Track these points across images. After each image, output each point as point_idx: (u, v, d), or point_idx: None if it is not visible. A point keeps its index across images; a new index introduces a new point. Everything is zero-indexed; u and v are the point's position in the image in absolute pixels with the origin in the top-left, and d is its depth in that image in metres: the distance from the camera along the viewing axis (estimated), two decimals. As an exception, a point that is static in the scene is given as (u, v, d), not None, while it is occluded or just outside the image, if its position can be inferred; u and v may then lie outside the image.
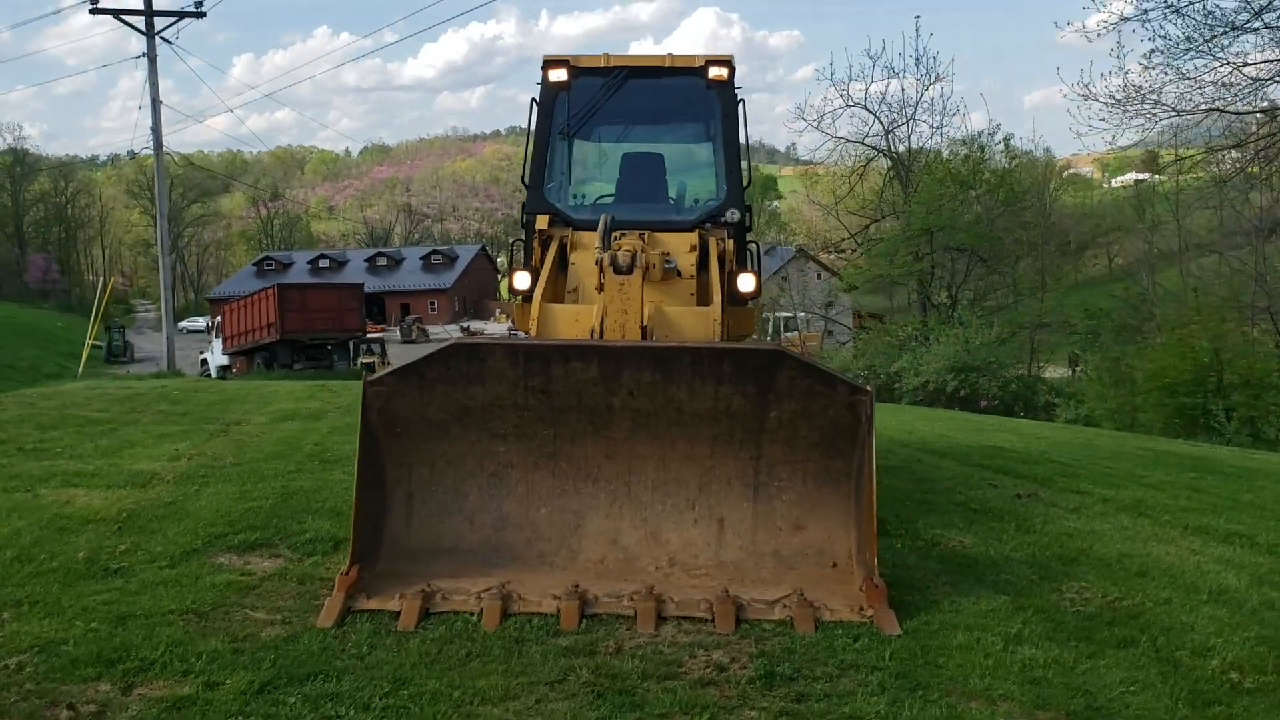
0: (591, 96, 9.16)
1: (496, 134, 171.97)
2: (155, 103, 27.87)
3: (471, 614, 5.75)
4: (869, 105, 34.10)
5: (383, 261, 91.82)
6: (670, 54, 9.14)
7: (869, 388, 6.21)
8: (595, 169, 9.87)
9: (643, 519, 6.75)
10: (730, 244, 8.65)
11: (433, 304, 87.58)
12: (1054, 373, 32.70)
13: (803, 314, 50.13)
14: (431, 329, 76.90)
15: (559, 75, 9.04)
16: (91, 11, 27.00)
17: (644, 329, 7.19)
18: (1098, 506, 8.96)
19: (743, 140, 9.01)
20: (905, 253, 32.34)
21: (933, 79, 33.95)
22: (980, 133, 34.47)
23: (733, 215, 8.75)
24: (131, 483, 8.77)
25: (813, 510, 6.68)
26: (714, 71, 8.93)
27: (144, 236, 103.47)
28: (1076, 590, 6.41)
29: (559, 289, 8.28)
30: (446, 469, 6.76)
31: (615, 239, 7.87)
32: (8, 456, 10.00)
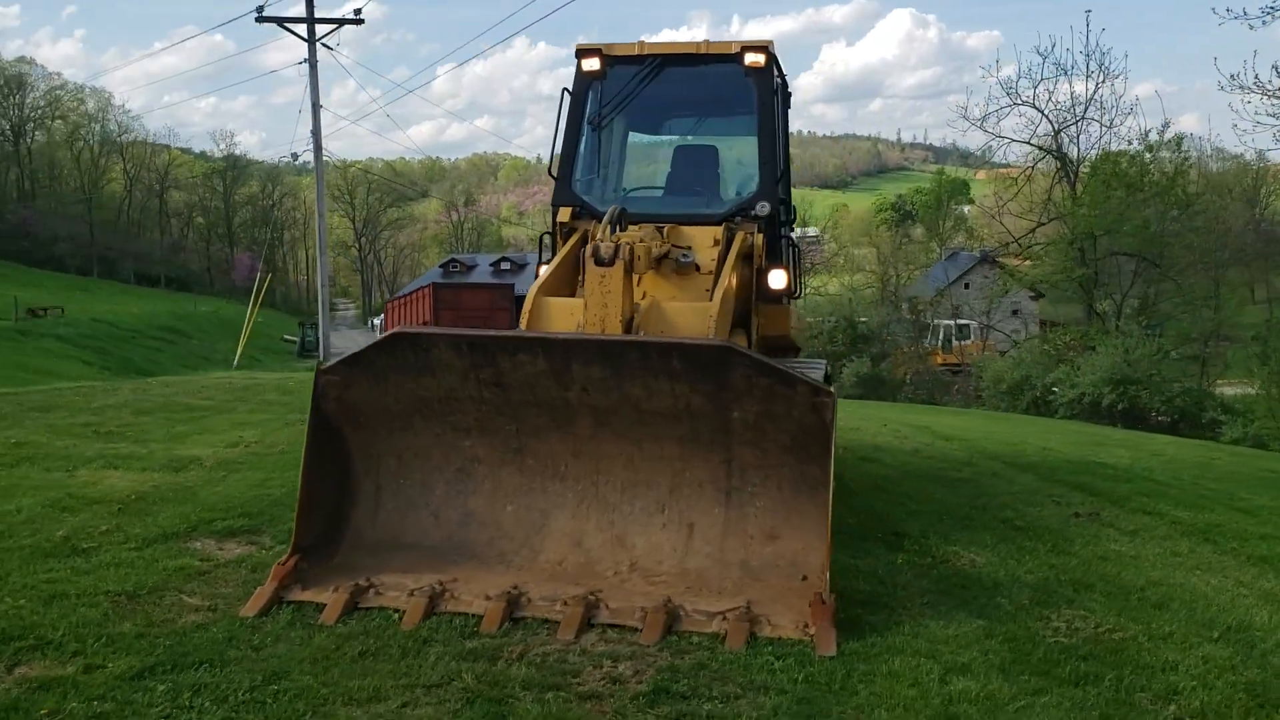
0: (627, 86, 8.91)
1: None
2: (315, 107, 29.02)
3: (398, 611, 5.59)
4: (1037, 104, 32.63)
5: (506, 265, 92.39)
6: (707, 41, 8.80)
7: (831, 389, 5.76)
8: (639, 161, 9.59)
9: (610, 521, 6.47)
10: (760, 239, 8.26)
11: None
12: (1233, 389, 30.41)
13: (974, 322, 48.39)
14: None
15: (591, 64, 8.83)
16: (258, 20, 28.43)
17: (629, 323, 6.91)
18: (1162, 529, 8.17)
19: (791, 130, 8.60)
20: (1067, 258, 30.72)
21: (1103, 76, 32.20)
22: (1148, 131, 32.46)
23: (762, 208, 8.34)
24: (168, 467, 8.99)
25: (788, 519, 6.26)
26: (750, 58, 8.55)
27: (344, 238, 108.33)
28: (1069, 619, 5.82)
29: (575, 284, 8.05)
30: (414, 462, 6.64)
31: (618, 231, 7.60)
32: (80, 438, 10.42)
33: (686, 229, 8.24)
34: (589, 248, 6.87)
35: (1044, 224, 32.71)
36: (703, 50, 8.75)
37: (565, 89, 8.88)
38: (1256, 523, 8.70)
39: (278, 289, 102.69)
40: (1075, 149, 32.39)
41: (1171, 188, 30.21)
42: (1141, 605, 6.11)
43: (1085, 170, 32.08)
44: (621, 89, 8.90)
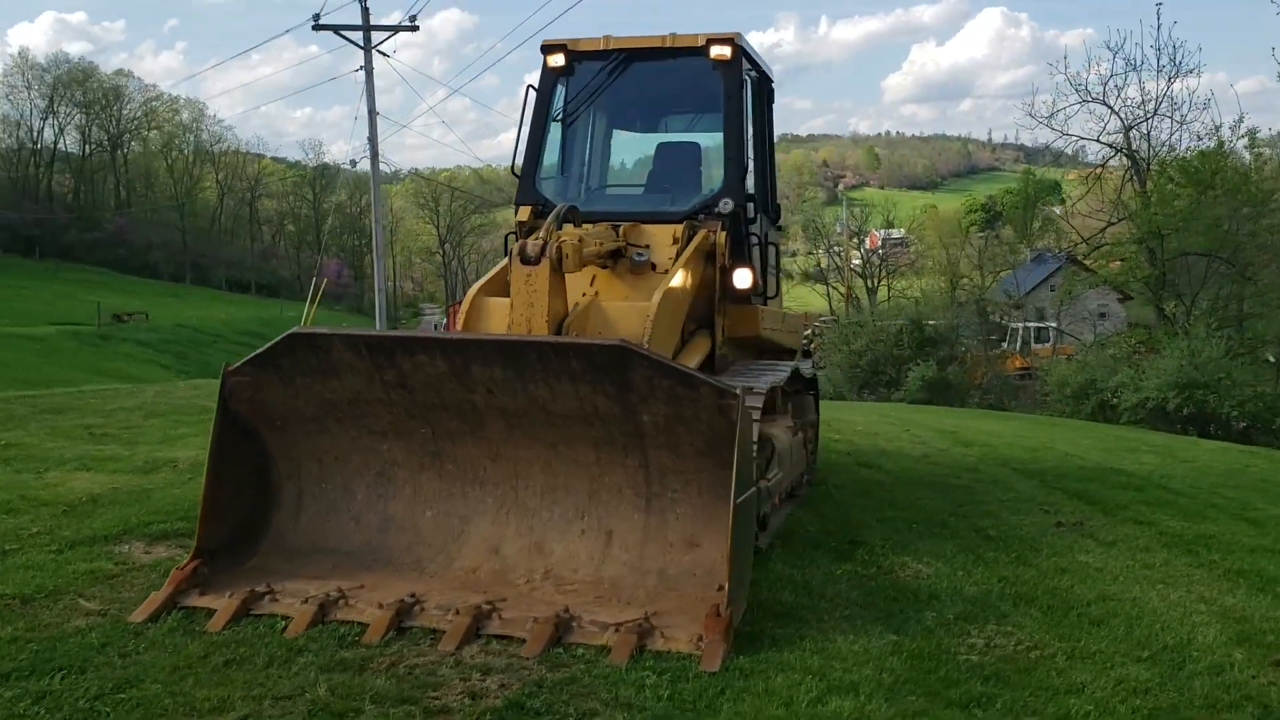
0: (592, 81, 8.71)
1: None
2: (372, 114, 29.31)
3: (288, 618, 5.45)
4: (1106, 100, 31.57)
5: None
6: (673, 34, 8.55)
7: (737, 391, 5.49)
8: (616, 157, 9.37)
9: (529, 527, 6.28)
10: (723, 236, 7.99)
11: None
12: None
13: (1053, 325, 47.12)
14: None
15: (557, 60, 8.65)
16: (314, 28, 28.84)
17: (560, 323, 6.71)
18: (1144, 540, 7.73)
19: (743, 128, 8.31)
20: (1136, 258, 29.61)
21: (1175, 71, 30.98)
22: (1219, 127, 31.16)
23: (725, 205, 8.07)
24: (140, 469, 9.02)
25: (708, 526, 6.01)
26: (715, 51, 8.29)
27: (428, 244, 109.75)
28: (991, 635, 5.48)
29: None
30: (335, 465, 6.52)
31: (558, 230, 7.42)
32: (73, 440, 10.53)
33: (648, 227, 8.02)
34: (515, 246, 6.69)
35: (1114, 224, 31.71)
36: (668, 44, 8.51)
37: (530, 85, 8.72)
38: (1256, 534, 8.19)
39: (365, 294, 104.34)
40: (1146, 146, 31.32)
41: (1245, 184, 29.01)
42: (1079, 621, 5.74)
43: (1155, 168, 30.95)
44: (587, 84, 8.71)
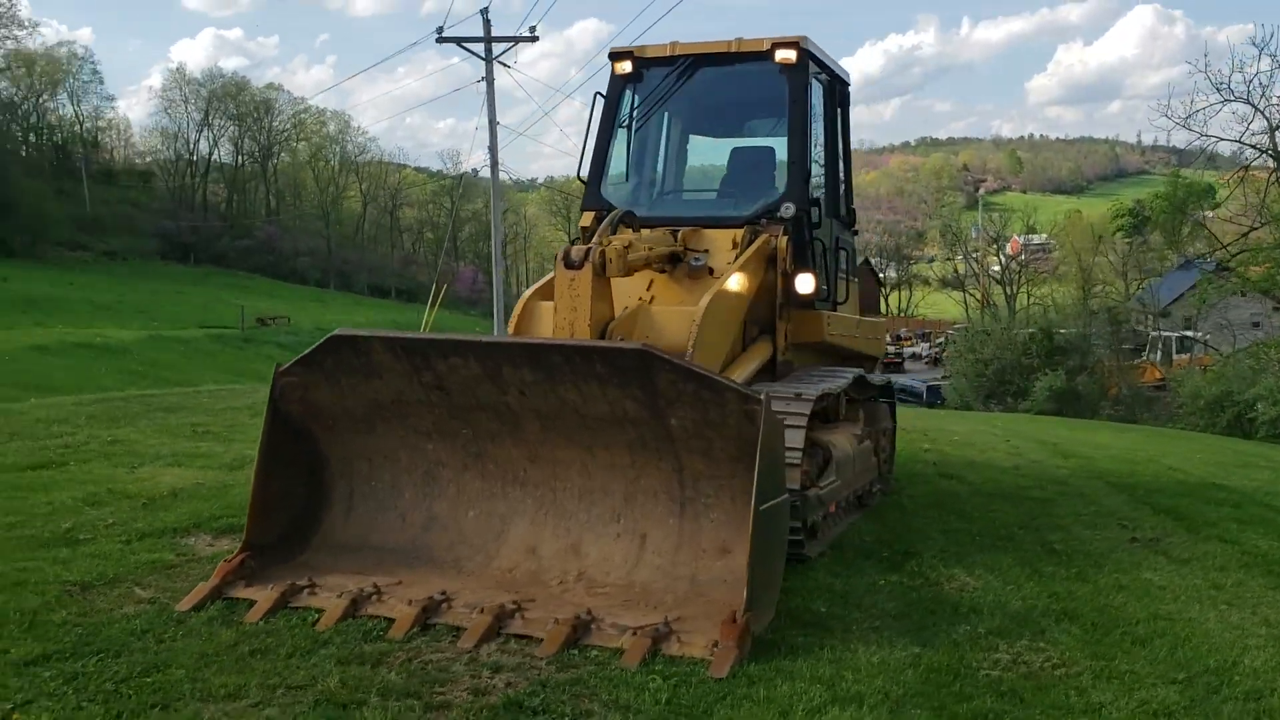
0: (659, 87, 8.76)
1: (905, 145, 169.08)
2: (492, 124, 29.92)
3: (321, 611, 5.63)
4: (1251, 99, 30.10)
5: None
6: (739, 39, 8.54)
7: (761, 396, 5.46)
8: (690, 162, 9.38)
9: (566, 529, 6.35)
10: (784, 241, 7.95)
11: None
12: None
13: (1197, 334, 45.21)
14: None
15: (624, 67, 8.73)
16: (438, 40, 29.55)
17: (604, 327, 6.77)
18: (1221, 559, 7.40)
19: (807, 132, 8.25)
20: (1276, 264, 28.18)
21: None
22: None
23: (787, 210, 8.03)
24: (228, 466, 9.39)
25: (740, 533, 5.94)
26: (781, 55, 8.27)
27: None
28: (1022, 651, 5.34)
29: None
30: (384, 464, 6.70)
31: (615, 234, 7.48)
32: (176, 438, 11.02)
33: (709, 232, 8.04)
34: (560, 251, 6.78)
35: (1256, 228, 30.25)
36: (734, 49, 8.51)
37: (598, 93, 8.82)
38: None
39: (504, 300, 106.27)
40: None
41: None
42: (1120, 640, 5.54)
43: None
44: (654, 91, 8.76)
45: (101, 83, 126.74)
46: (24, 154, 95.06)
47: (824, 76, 8.78)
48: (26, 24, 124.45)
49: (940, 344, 58.40)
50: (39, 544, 6.70)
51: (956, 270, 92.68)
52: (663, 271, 7.83)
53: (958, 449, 12.76)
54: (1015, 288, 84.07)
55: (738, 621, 5.19)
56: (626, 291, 7.72)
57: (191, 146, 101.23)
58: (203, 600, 5.76)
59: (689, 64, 8.63)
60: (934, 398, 41.95)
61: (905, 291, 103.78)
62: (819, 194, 8.65)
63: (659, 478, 6.14)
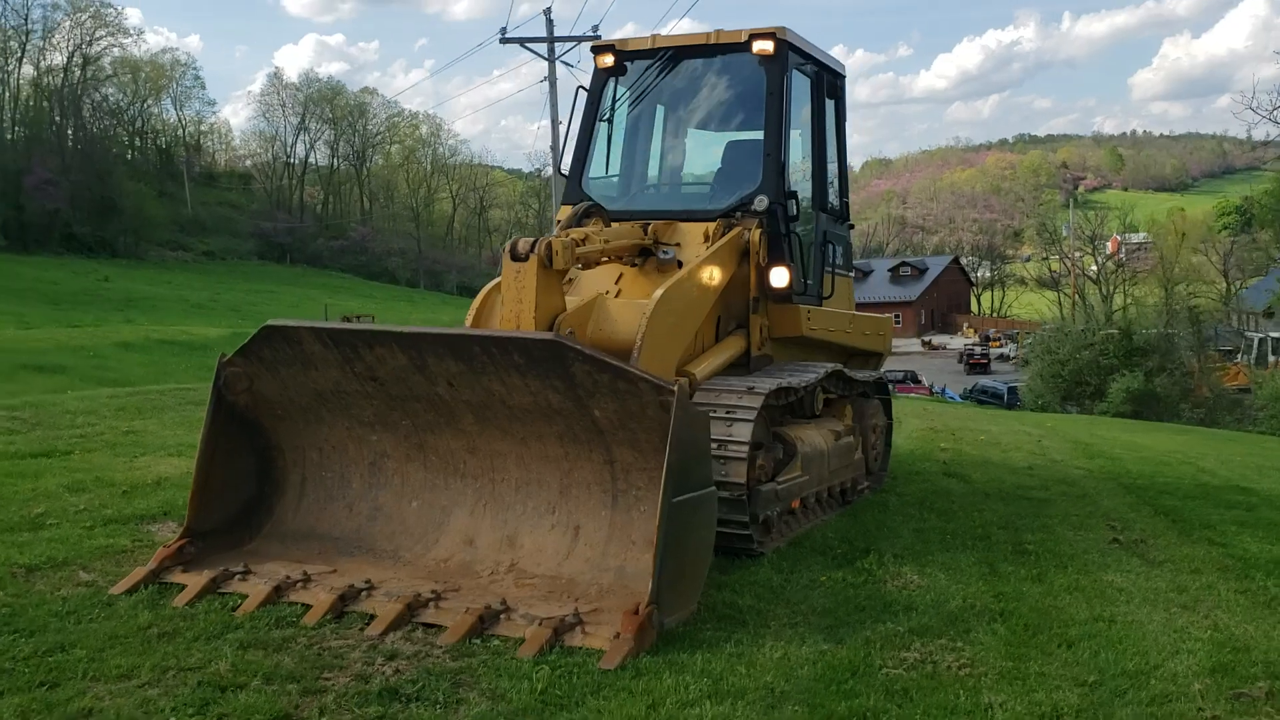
0: (648, 80, 8.73)
1: (1003, 142, 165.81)
2: (554, 124, 30.05)
3: (245, 597, 5.72)
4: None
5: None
6: (718, 30, 8.47)
7: (673, 386, 5.40)
8: (659, 156, 9.32)
9: (504, 520, 6.36)
10: (757, 234, 7.86)
11: (897, 317, 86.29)
12: None
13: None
14: (893, 342, 75.74)
15: (606, 61, 8.72)
16: (501, 41, 29.82)
17: (553, 320, 6.75)
18: (1202, 561, 7.15)
19: (783, 124, 8.13)
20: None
21: None
22: None
23: (760, 203, 7.93)
24: (226, 457, 9.56)
25: (668, 525, 5.92)
26: (758, 46, 8.18)
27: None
28: (934, 651, 5.22)
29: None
30: (333, 454, 6.78)
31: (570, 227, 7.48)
32: (194, 429, 11.22)
33: (684, 225, 7.98)
34: (507, 244, 6.78)
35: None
36: (713, 40, 8.43)
37: (580, 86, 8.82)
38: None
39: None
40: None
41: None
42: (1045, 642, 5.38)
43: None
44: (635, 84, 8.73)
45: (203, 88, 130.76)
46: (130, 158, 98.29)
47: (810, 68, 8.65)
48: (132, 32, 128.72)
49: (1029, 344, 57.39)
50: (4, 528, 6.90)
51: (1051, 269, 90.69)
52: (633, 265, 7.80)
53: (979, 448, 12.48)
54: (1111, 287, 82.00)
55: (639, 614, 5.15)
56: (595, 284, 7.72)
57: (289, 149, 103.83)
58: (136, 584, 5.88)
59: (669, 56, 8.58)
60: (1014, 399, 41.13)
61: (998, 291, 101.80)
62: (801, 187, 8.54)
63: (591, 470, 6.12)
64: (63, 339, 37.67)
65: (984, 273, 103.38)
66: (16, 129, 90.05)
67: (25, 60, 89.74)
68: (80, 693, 4.51)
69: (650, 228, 7.81)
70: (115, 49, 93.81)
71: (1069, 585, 6.42)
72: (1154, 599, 6.20)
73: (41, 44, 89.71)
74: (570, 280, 7.84)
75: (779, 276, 7.99)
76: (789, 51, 8.25)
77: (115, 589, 5.83)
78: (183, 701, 4.44)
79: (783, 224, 8.04)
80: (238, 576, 5.95)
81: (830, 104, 9.13)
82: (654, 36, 8.65)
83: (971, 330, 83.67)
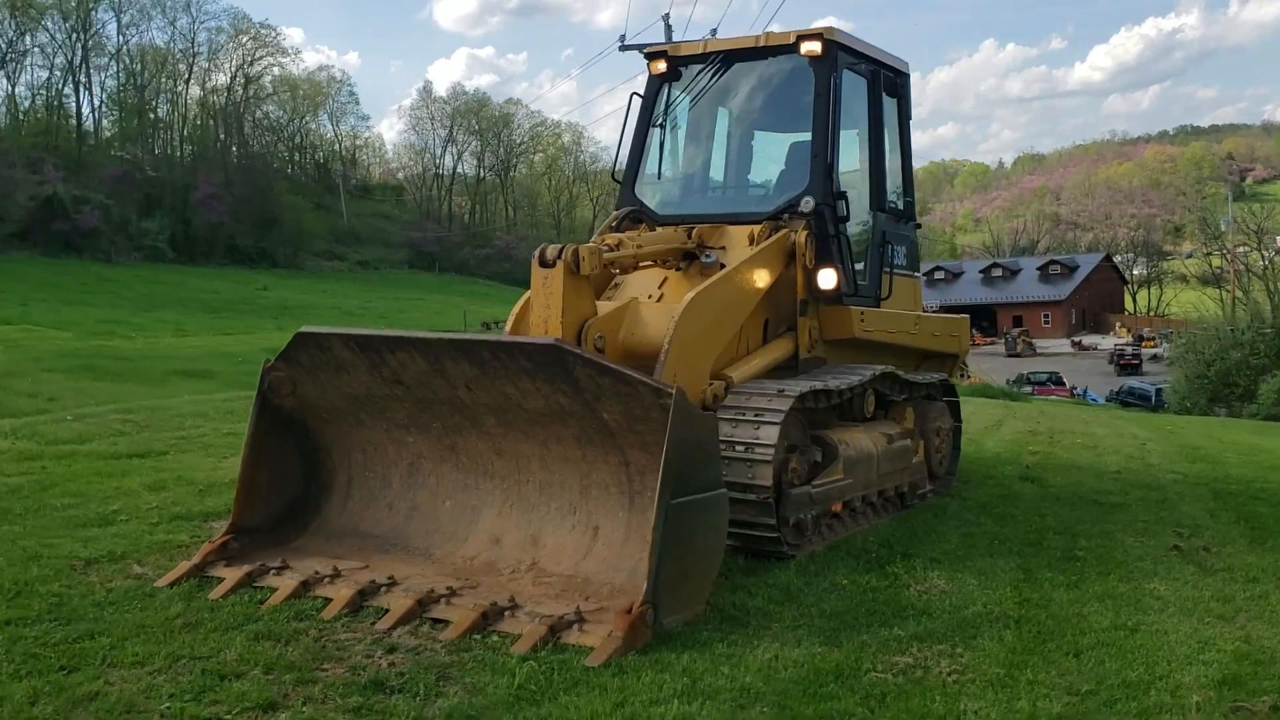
0: (700, 84, 8.79)
1: (1163, 134, 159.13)
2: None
3: (274, 590, 5.98)
4: None
5: (998, 272, 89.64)
6: (768, 32, 8.48)
7: (672, 389, 5.46)
8: (717, 158, 9.33)
9: (528, 520, 6.51)
10: (803, 236, 7.83)
11: (1046, 316, 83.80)
12: None
13: None
14: (1041, 343, 73.69)
15: (659, 66, 8.81)
16: (621, 49, 30.13)
17: (581, 325, 6.86)
18: (1261, 570, 6.83)
19: (831, 124, 8.08)
20: None
21: None
22: None
23: (806, 204, 7.91)
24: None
25: (684, 526, 5.98)
26: (806, 47, 8.17)
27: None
28: (929, 656, 5.16)
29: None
30: (375, 455, 7.03)
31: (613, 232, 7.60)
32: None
33: (731, 229, 8.01)
34: (537, 250, 6.92)
35: None
36: (763, 43, 8.44)
37: (634, 93, 8.92)
38: None
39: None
40: None
41: None
42: (1053, 650, 5.27)
43: None
44: (689, 88, 8.80)
45: (357, 103, 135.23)
46: (289, 172, 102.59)
47: (864, 67, 8.57)
48: (290, 51, 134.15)
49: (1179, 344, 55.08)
50: (78, 524, 7.36)
51: (1212, 266, 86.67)
52: (678, 269, 7.86)
53: (1072, 452, 12.10)
54: (1278, 284, 77.86)
55: (632, 613, 5.22)
56: (639, 289, 7.81)
57: (437, 161, 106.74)
58: (180, 577, 6.20)
59: (721, 60, 8.62)
60: (1162, 401, 39.53)
61: (1155, 289, 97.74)
62: (859, 187, 8.49)
63: (608, 471, 6.21)
64: (215, 345, 39.59)
65: (1139, 270, 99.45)
66: (185, 147, 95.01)
67: (192, 81, 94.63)
68: (93, 678, 4.79)
69: (695, 231, 7.86)
70: (275, 68, 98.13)
71: (1104, 592, 6.23)
72: (1191, 608, 5.97)
73: (207, 65, 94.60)
74: (616, 285, 7.96)
75: (827, 278, 7.95)
76: (838, 51, 8.20)
77: (160, 582, 6.16)
78: (183, 688, 4.68)
79: (831, 225, 8.00)
80: (273, 571, 6.22)
81: (891, 103, 9.02)
82: (705, 41, 8.70)
83: (1124, 330, 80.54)
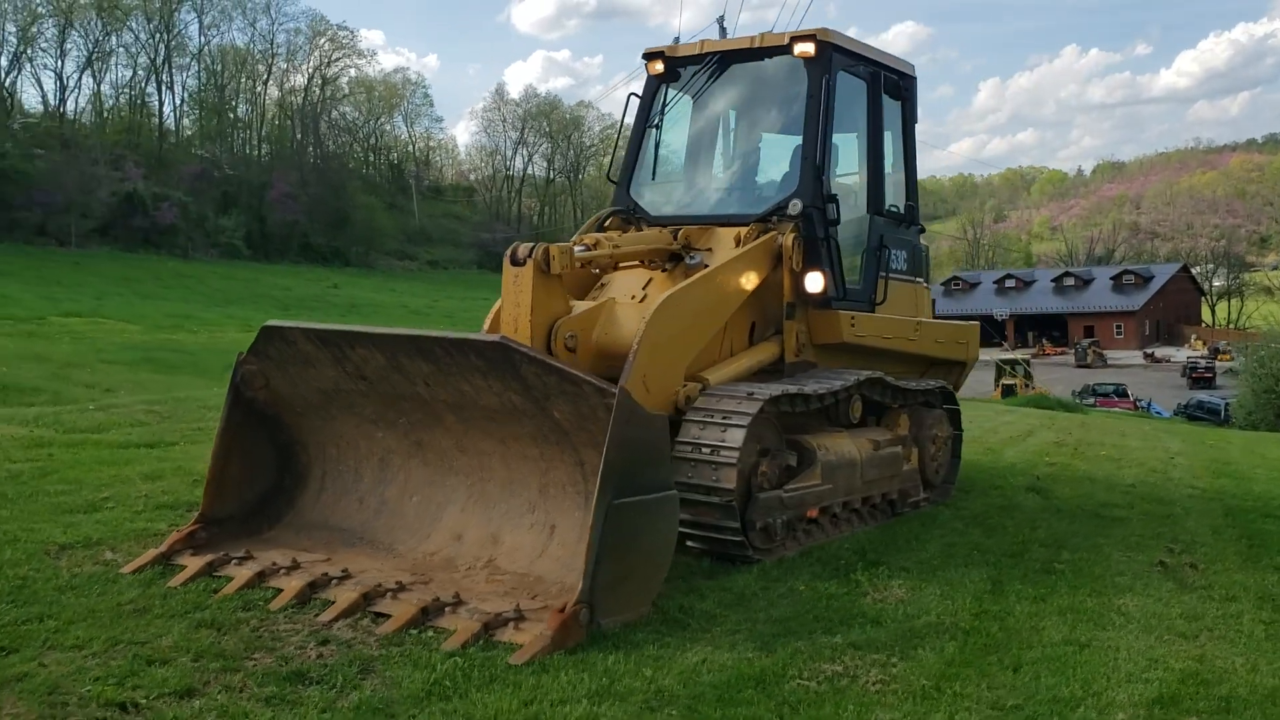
0: (696, 86, 8.75)
1: (1250, 142, 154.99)
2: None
3: (231, 579, 6.06)
4: None
5: (1070, 281, 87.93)
6: (764, 34, 8.40)
7: (615, 389, 5.43)
8: (711, 160, 9.26)
9: (489, 518, 6.52)
10: (790, 239, 7.76)
11: (1119, 327, 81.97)
12: None
13: None
14: (1113, 354, 72.18)
15: (656, 67, 8.80)
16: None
17: (552, 324, 6.87)
18: (1242, 589, 6.64)
19: (822, 127, 8.00)
20: None
21: None
22: None
23: (794, 207, 7.84)
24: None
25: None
26: (799, 48, 8.10)
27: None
28: (859, 666, 5.06)
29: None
30: (348, 450, 7.09)
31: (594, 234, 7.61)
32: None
33: (720, 230, 7.97)
34: (510, 249, 6.94)
35: None
36: (757, 44, 8.38)
37: (632, 94, 8.91)
38: None
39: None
40: None
41: None
42: (991, 663, 5.17)
43: None
44: (686, 89, 8.76)
45: (432, 105, 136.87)
46: (363, 172, 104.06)
47: (863, 69, 8.47)
48: (366, 53, 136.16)
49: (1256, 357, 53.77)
50: (65, 510, 7.50)
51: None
52: (664, 270, 7.83)
53: (1093, 463, 11.82)
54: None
55: (565, 613, 5.21)
56: (625, 289, 7.79)
57: (508, 163, 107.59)
58: (145, 565, 6.29)
59: (717, 61, 8.57)
60: (1230, 415, 38.48)
61: (1236, 301, 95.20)
62: (847, 190, 8.39)
63: (565, 470, 6.20)
64: (277, 342, 40.16)
65: (1219, 282, 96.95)
66: (262, 146, 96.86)
67: (271, 82, 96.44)
68: (29, 659, 4.87)
69: (681, 232, 7.83)
70: (351, 70, 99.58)
71: (1069, 607, 6.08)
72: (1153, 625, 5.80)
73: (285, 67, 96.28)
74: (602, 285, 7.95)
75: (814, 281, 7.87)
76: (833, 53, 8.11)
77: (125, 569, 6.26)
78: (110, 672, 4.73)
79: (820, 228, 7.91)
80: (234, 561, 6.29)
81: (895, 106, 8.91)
82: (702, 42, 8.66)
83: (1200, 342, 78.59)
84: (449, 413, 6.33)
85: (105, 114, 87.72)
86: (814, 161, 7.91)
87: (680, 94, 8.82)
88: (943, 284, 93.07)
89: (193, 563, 6.28)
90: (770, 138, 8.91)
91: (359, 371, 6.37)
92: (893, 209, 8.79)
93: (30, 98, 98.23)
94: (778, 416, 7.17)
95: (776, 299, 7.88)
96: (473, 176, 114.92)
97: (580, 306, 7.21)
